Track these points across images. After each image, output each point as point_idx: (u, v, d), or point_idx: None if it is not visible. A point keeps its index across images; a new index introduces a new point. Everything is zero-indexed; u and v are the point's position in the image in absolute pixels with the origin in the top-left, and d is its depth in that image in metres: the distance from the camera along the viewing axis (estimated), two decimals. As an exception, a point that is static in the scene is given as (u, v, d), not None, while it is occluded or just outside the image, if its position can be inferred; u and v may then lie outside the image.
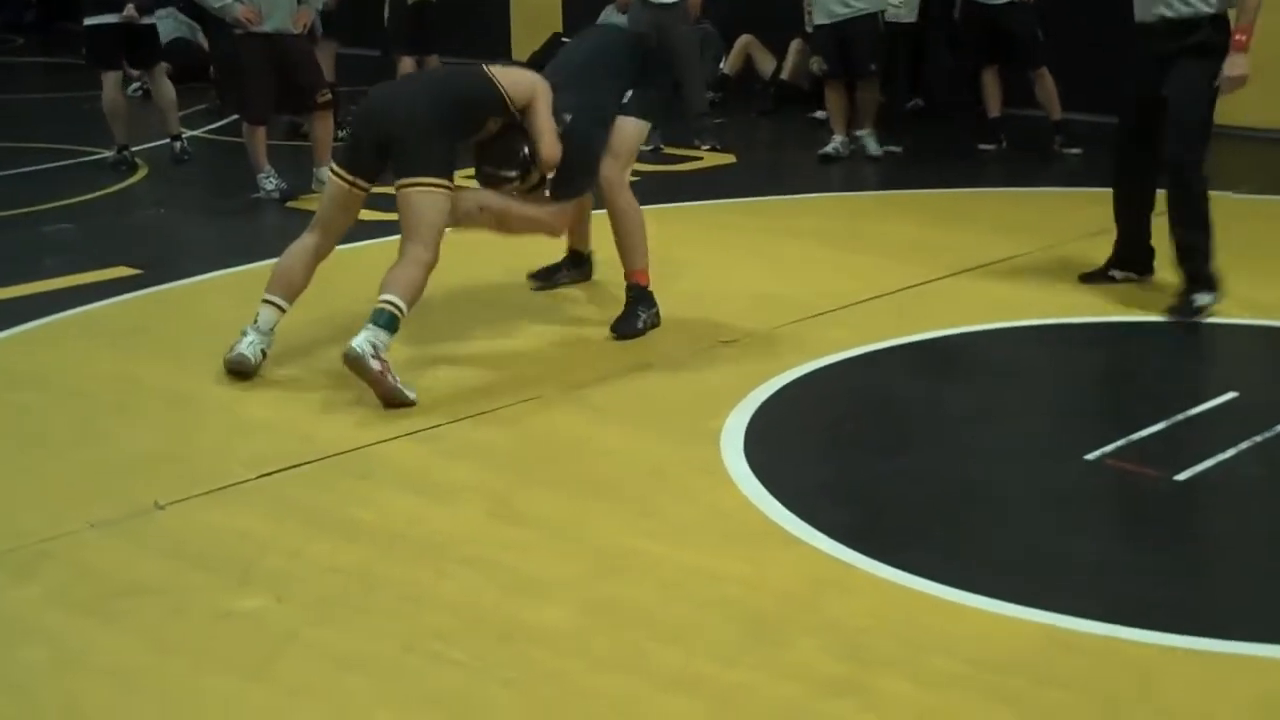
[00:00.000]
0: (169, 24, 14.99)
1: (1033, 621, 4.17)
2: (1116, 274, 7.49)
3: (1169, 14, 6.95)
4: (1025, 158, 10.96)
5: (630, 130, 6.87)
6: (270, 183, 9.56)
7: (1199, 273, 7.00)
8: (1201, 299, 6.95)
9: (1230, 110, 11.34)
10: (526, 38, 14.12)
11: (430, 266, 6.21)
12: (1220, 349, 6.80)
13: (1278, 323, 6.89)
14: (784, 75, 13.22)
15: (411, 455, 5.40)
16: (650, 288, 6.88)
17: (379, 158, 6.38)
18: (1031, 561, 4.61)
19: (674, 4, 10.41)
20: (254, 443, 5.52)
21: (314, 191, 9.58)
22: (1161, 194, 7.17)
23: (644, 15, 10.28)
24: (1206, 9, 6.92)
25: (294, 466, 5.27)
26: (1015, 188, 10.02)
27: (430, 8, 11.88)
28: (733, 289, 7.39)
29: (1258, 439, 5.43)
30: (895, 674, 3.92)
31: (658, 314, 6.86)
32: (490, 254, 7.93)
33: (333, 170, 6.56)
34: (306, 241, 6.55)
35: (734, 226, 8.82)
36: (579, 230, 7.53)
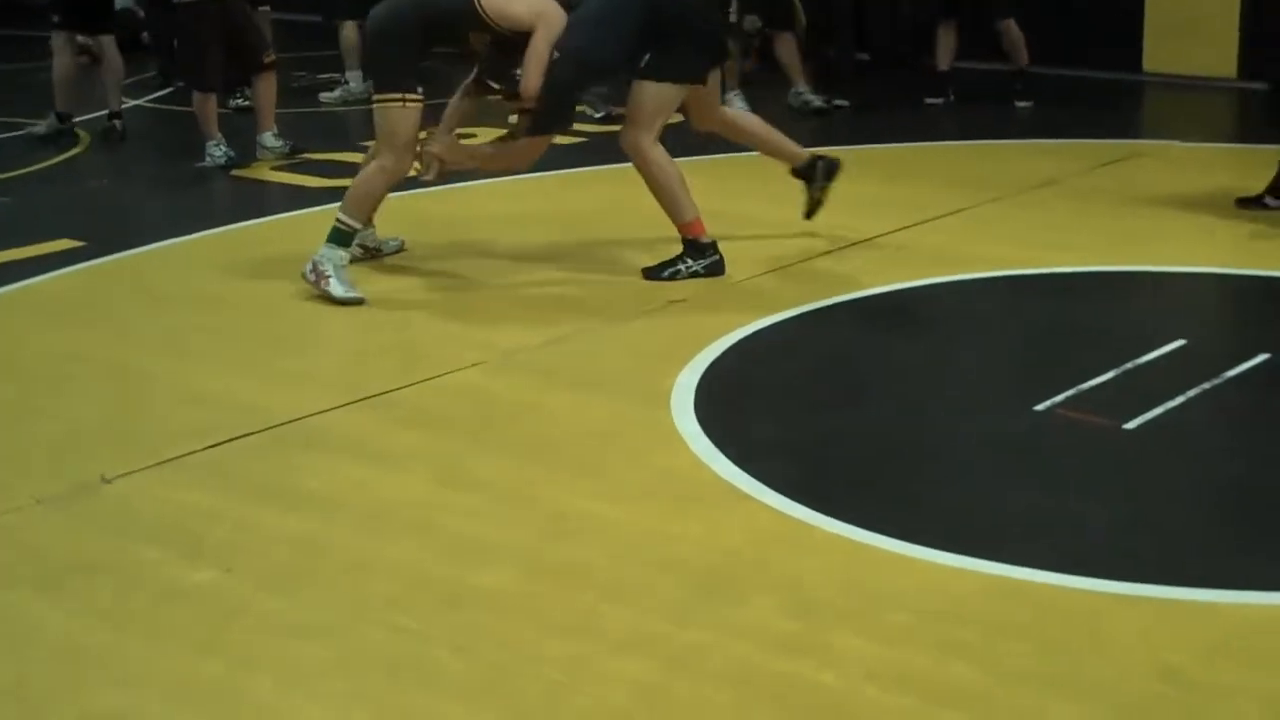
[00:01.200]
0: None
1: (984, 573, 4.17)
2: (1270, 201, 7.75)
3: None
4: (973, 111, 10.93)
5: (649, 94, 6.88)
6: (219, 150, 9.47)
7: None
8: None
9: (1173, 59, 11.48)
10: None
11: (391, 173, 6.72)
12: (1169, 297, 6.81)
13: (1226, 270, 6.90)
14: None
15: (357, 423, 5.36)
16: (708, 240, 6.90)
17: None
18: (982, 513, 4.62)
19: None
20: (200, 414, 5.47)
21: (259, 159, 9.50)
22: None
23: None
24: None
25: (240, 437, 5.23)
26: (964, 141, 10.00)
27: None
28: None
29: (1206, 386, 5.44)
30: (848, 629, 3.91)
31: (715, 264, 6.90)
32: (436, 215, 7.92)
33: None
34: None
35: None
36: (777, 150, 7.52)
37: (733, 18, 10.82)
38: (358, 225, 6.74)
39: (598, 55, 6.81)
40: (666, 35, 6.82)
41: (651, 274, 6.90)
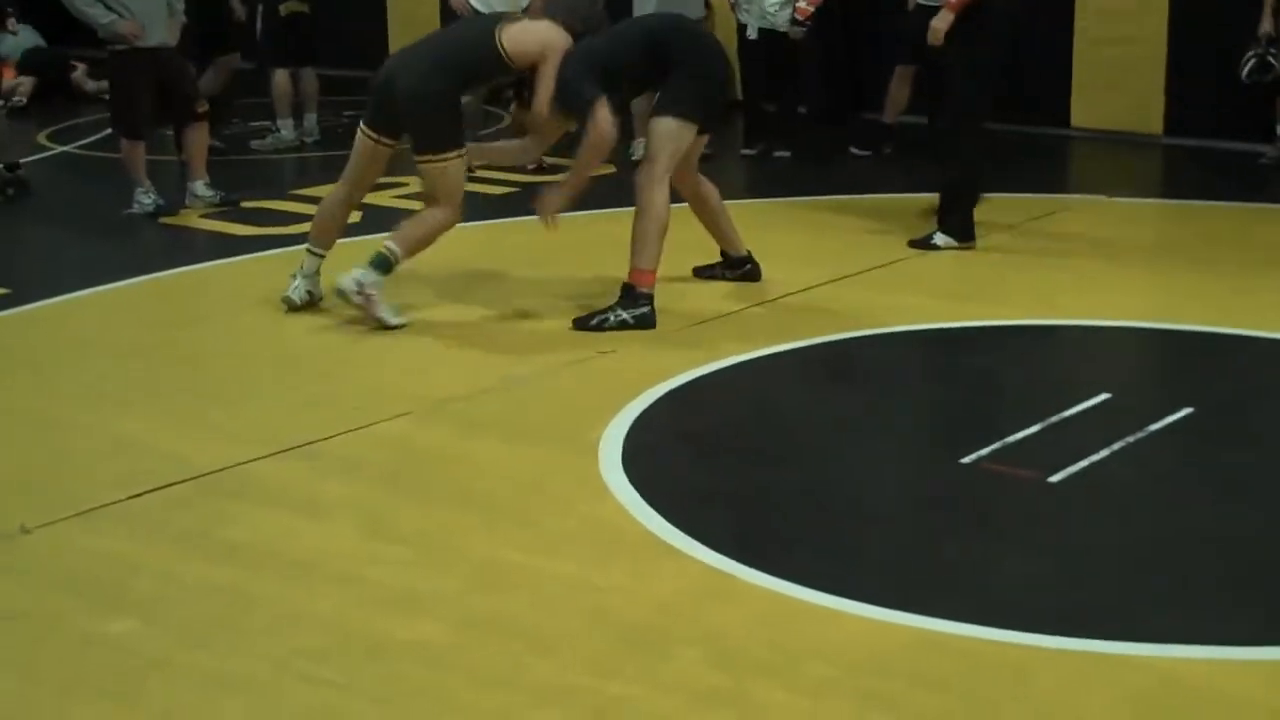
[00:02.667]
0: (28, 35, 14.87)
1: (909, 625, 4.18)
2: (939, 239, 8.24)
3: None
4: (904, 164, 10.97)
5: (662, 130, 7.00)
6: (148, 198, 9.42)
7: None
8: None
9: (1100, 115, 11.61)
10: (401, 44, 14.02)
11: (446, 224, 7.06)
12: (1094, 351, 6.87)
13: (1150, 324, 6.97)
14: None
15: (283, 473, 5.33)
16: (648, 291, 6.96)
17: (396, 122, 6.99)
18: (908, 566, 4.63)
19: None
20: (123, 464, 5.42)
21: (188, 207, 9.45)
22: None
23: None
24: None
25: (164, 487, 5.18)
26: (894, 194, 10.04)
27: (304, 18, 11.68)
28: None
29: (1129, 439, 5.49)
30: (772, 682, 3.91)
31: (645, 316, 6.91)
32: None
33: (361, 127, 7.13)
34: (339, 193, 7.31)
35: (610, 236, 8.76)
36: (721, 233, 7.67)
37: None
38: (401, 259, 6.96)
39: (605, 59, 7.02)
40: (677, 71, 6.98)
41: (580, 324, 6.91)
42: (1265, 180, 10.16)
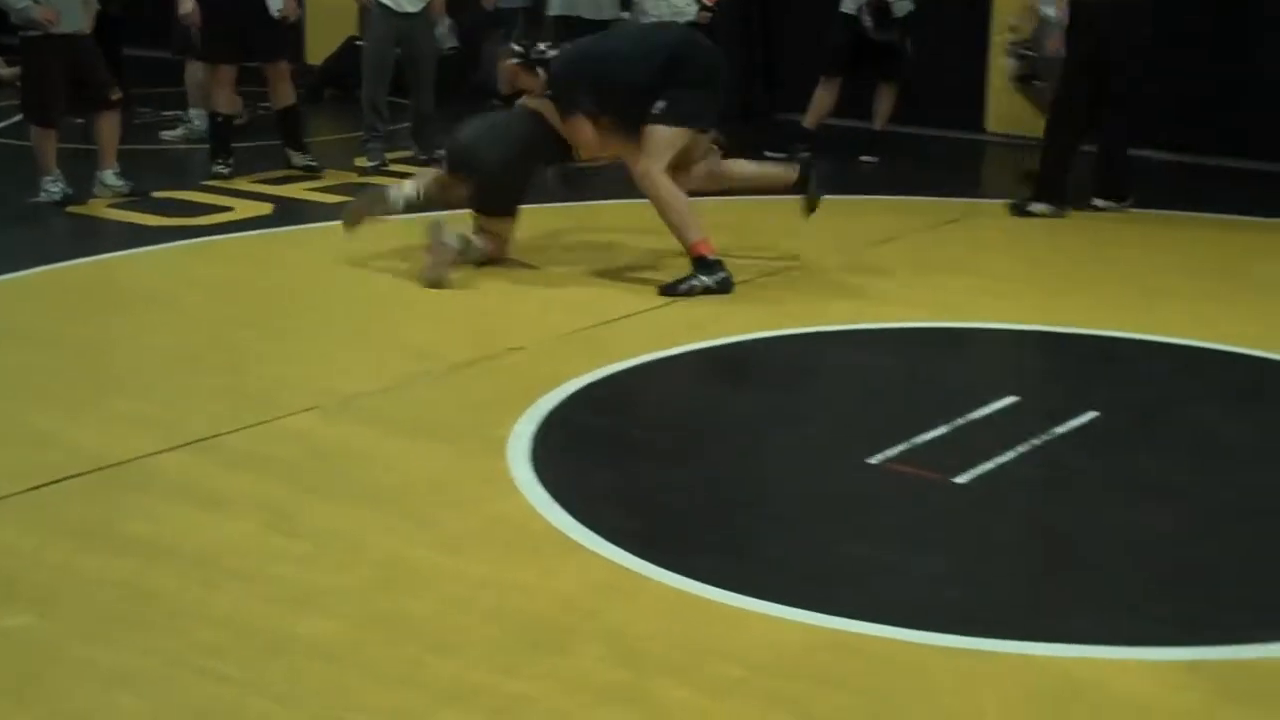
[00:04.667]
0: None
1: (813, 625, 4.19)
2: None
3: None
4: (818, 166, 10.95)
5: (662, 135, 7.43)
6: (55, 187, 9.28)
7: None
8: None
9: (1014, 120, 11.69)
10: (321, 41, 13.93)
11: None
12: (1002, 354, 6.92)
13: (1059, 328, 7.02)
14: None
15: (187, 466, 5.26)
16: (714, 257, 7.39)
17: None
18: (813, 566, 4.64)
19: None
20: (23, 454, 5.33)
21: (96, 196, 9.32)
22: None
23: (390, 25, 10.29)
24: None
25: (65, 479, 5.10)
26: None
27: None
28: (519, 296, 7.34)
29: (1035, 442, 5.52)
30: (675, 681, 3.90)
31: (724, 280, 7.36)
32: (278, 257, 7.84)
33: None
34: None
35: (524, 234, 8.74)
36: (762, 179, 8.31)
37: None
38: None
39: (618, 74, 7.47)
40: (684, 83, 7.41)
41: (668, 290, 7.31)
42: (1172, 186, 10.25)
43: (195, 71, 11.12)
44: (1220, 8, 10.97)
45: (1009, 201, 9.29)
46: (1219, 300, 7.49)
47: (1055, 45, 9.62)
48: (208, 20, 9.97)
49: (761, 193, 8.14)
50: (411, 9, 10.31)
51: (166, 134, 11.53)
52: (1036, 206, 9.15)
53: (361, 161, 10.37)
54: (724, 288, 7.34)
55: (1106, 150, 9.43)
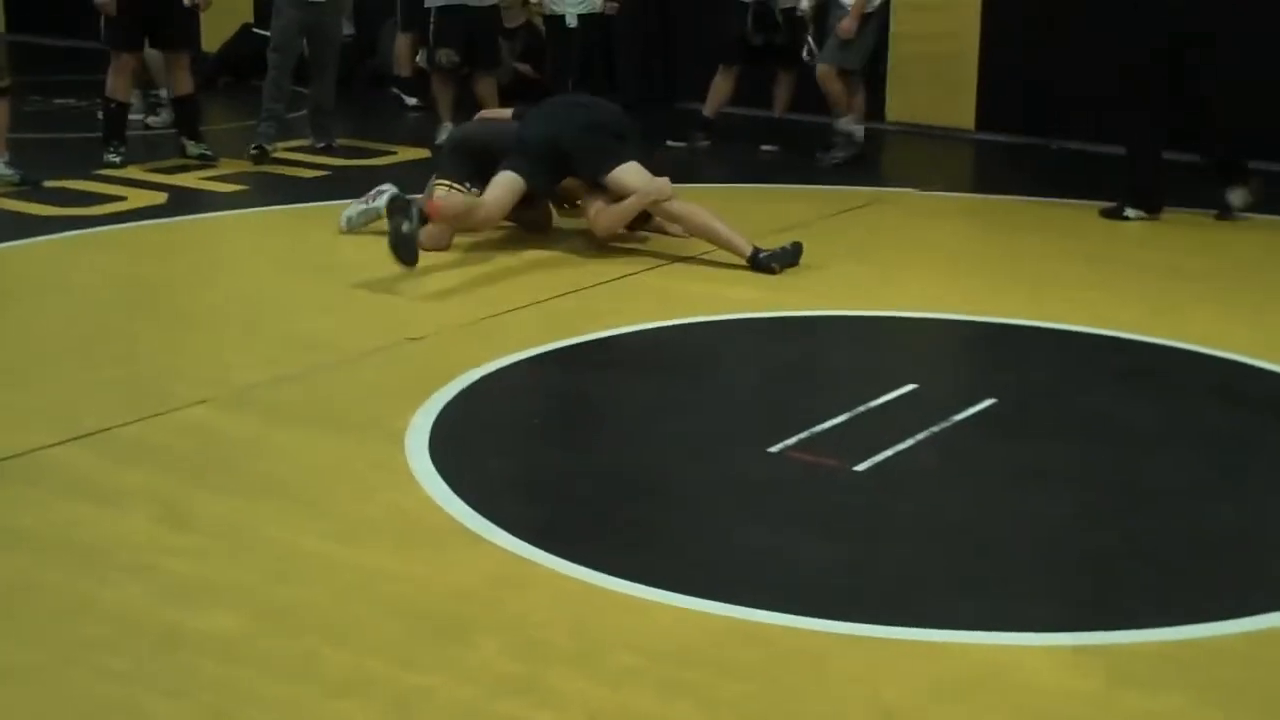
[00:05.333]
0: None
1: (712, 614, 4.17)
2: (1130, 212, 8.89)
3: None
4: (720, 155, 11.01)
5: (631, 172, 7.72)
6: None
7: None
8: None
9: (914, 110, 11.77)
10: (216, 28, 13.76)
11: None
12: (902, 342, 6.93)
13: (957, 316, 7.05)
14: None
15: (76, 460, 5.17)
16: (767, 249, 7.61)
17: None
18: (712, 554, 4.62)
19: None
20: (-92, 448, 5.23)
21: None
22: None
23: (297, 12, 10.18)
24: None
25: (-49, 473, 5.01)
26: (711, 184, 10.06)
27: None
28: (419, 285, 7.28)
29: (934, 429, 5.54)
30: (573, 671, 3.88)
31: (792, 253, 7.66)
32: (167, 243, 7.74)
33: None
34: None
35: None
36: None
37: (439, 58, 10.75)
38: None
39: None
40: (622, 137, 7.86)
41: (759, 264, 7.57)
42: (1072, 175, 10.35)
43: (154, 56, 10.80)
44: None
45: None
46: (1103, 287, 7.56)
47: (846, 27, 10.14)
48: (120, 8, 9.73)
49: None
50: None
51: (152, 119, 11.28)
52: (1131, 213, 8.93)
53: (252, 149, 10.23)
54: (796, 256, 7.67)
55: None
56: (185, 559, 4.45)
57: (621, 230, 7.96)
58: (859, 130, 10.64)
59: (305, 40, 10.48)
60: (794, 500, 5.06)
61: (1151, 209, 8.84)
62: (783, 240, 7.76)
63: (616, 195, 7.76)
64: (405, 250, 7.03)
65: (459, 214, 7.54)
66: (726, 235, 7.69)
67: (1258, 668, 4.02)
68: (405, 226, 7.03)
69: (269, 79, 10.37)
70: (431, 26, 10.74)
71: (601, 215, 7.82)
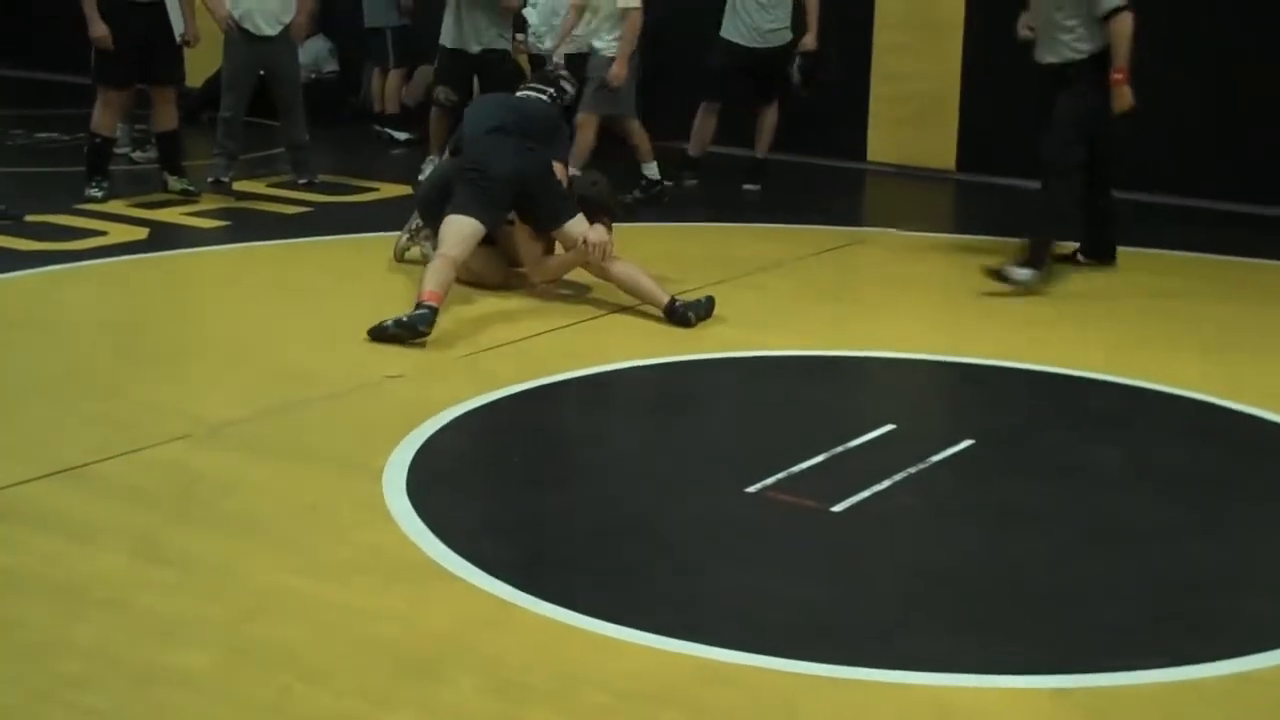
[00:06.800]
0: None
1: (686, 654, 4.18)
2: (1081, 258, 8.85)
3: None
4: (702, 193, 11.01)
5: (574, 225, 7.69)
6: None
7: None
8: (1020, 273, 8.18)
9: (896, 150, 11.81)
10: (200, 63, 13.77)
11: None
12: (879, 382, 6.96)
13: (936, 357, 7.07)
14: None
15: (53, 496, 5.15)
16: (682, 301, 7.49)
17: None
18: (688, 595, 4.63)
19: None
20: (-115, 483, 5.21)
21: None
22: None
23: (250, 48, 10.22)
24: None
25: (-74, 508, 5.00)
26: (691, 223, 10.09)
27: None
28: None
29: (912, 470, 5.56)
30: (549, 710, 3.88)
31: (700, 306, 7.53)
32: (144, 281, 7.74)
33: None
34: None
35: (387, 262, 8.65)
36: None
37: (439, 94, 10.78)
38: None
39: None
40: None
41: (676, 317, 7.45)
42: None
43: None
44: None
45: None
46: (1080, 327, 7.61)
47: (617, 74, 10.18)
48: (114, 43, 9.71)
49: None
50: (270, 32, 10.24)
51: (138, 154, 11.29)
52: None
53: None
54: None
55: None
56: (161, 595, 4.44)
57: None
58: (654, 168, 10.75)
59: (265, 76, 10.50)
60: (771, 540, 5.06)
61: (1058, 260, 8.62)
62: (762, 279, 7.77)
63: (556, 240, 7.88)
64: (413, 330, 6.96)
65: (450, 283, 7.39)
66: (649, 288, 7.66)
67: (1237, 708, 4.03)
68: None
69: (221, 117, 10.39)
70: (436, 64, 10.83)
71: (538, 271, 7.90)
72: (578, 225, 7.66)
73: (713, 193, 10.96)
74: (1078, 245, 8.89)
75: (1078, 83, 8.37)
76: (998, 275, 8.19)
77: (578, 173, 8.90)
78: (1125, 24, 8.22)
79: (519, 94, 8.30)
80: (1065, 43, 8.38)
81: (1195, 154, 10.79)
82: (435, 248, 7.52)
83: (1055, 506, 5.37)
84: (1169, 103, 10.49)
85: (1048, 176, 8.52)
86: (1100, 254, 8.88)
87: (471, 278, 7.76)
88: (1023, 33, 8.83)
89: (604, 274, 7.72)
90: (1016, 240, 8.51)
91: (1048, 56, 8.50)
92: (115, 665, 4.04)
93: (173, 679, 3.98)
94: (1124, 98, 8.25)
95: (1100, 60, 8.30)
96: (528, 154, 7.65)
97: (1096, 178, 8.60)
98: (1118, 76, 8.24)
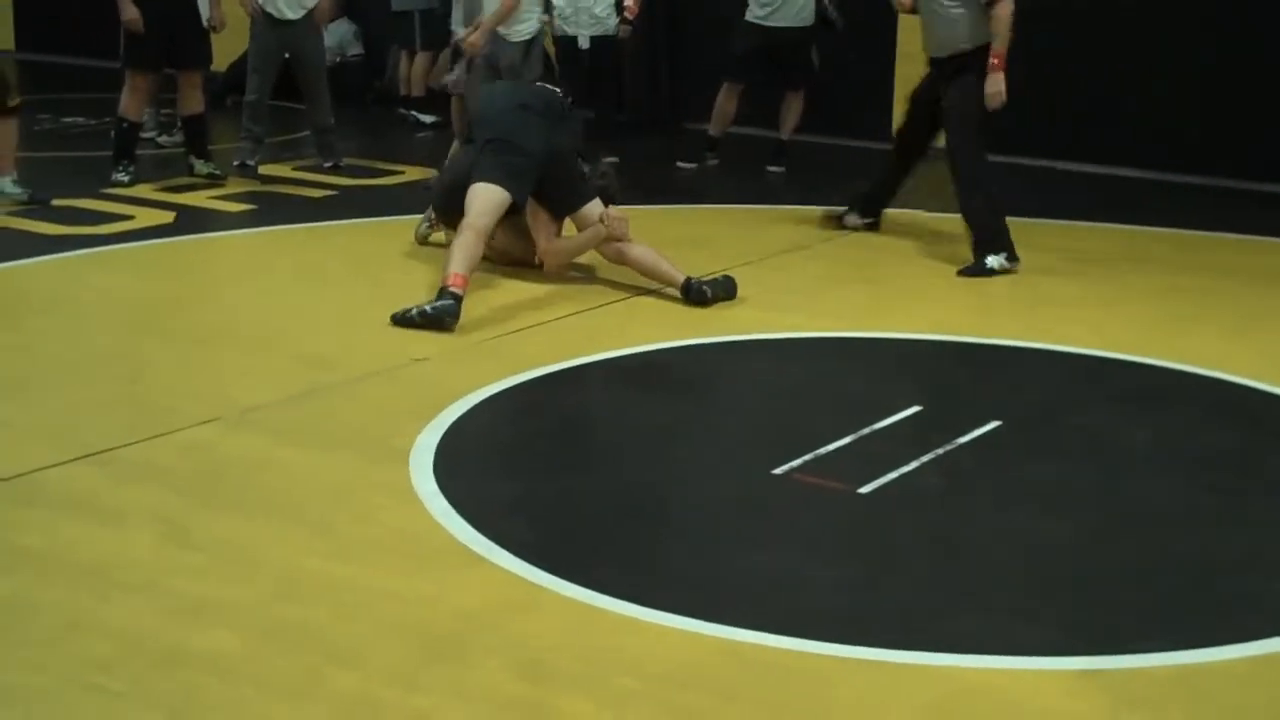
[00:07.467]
0: None
1: (714, 636, 4.17)
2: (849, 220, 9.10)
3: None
4: (727, 175, 11.02)
5: (591, 208, 7.72)
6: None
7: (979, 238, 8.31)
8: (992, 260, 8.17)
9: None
10: (225, 48, 13.80)
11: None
12: (907, 364, 6.93)
13: (963, 338, 7.05)
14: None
15: (81, 479, 5.17)
16: (699, 278, 7.54)
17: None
18: (716, 576, 4.62)
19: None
20: (-88, 467, 5.23)
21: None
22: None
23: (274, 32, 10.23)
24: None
25: (-46, 492, 5.01)
26: (717, 205, 10.09)
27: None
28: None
29: (938, 452, 5.54)
30: (576, 692, 3.88)
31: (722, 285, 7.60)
32: (175, 263, 7.76)
33: None
34: None
35: (412, 245, 8.64)
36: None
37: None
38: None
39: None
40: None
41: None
42: (1079, 196, 10.37)
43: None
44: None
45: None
46: (1106, 308, 7.59)
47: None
48: (144, 27, 9.72)
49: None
50: (293, 16, 10.25)
51: (164, 138, 11.31)
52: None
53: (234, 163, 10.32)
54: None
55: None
56: (188, 578, 4.45)
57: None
58: None
59: (290, 61, 10.52)
60: (798, 523, 5.06)
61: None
62: (787, 261, 7.76)
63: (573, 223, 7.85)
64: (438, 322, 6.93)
65: (477, 262, 7.37)
66: (666, 270, 7.65)
67: (1260, 691, 4.02)
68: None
69: (246, 101, 10.45)
70: (452, 49, 10.82)
71: (552, 252, 7.83)
72: (596, 207, 7.65)
73: (737, 175, 10.96)
74: (846, 208, 9.13)
75: (966, 73, 8.30)
76: (973, 271, 8.19)
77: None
78: (1005, 10, 8.15)
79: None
80: (954, 34, 8.31)
81: (1222, 131, 10.74)
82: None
83: (1082, 488, 5.35)
84: (1196, 80, 10.45)
85: (964, 192, 8.45)
86: (876, 215, 9.14)
87: (492, 253, 7.73)
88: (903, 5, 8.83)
89: (621, 256, 7.70)
90: (1038, 221, 8.46)
91: (934, 50, 8.48)
92: (141, 647, 4.05)
93: (201, 661, 3.98)
94: (996, 85, 8.20)
95: (988, 51, 8.24)
96: (557, 133, 7.63)
97: (921, 151, 8.94)
98: (994, 62, 8.18)
